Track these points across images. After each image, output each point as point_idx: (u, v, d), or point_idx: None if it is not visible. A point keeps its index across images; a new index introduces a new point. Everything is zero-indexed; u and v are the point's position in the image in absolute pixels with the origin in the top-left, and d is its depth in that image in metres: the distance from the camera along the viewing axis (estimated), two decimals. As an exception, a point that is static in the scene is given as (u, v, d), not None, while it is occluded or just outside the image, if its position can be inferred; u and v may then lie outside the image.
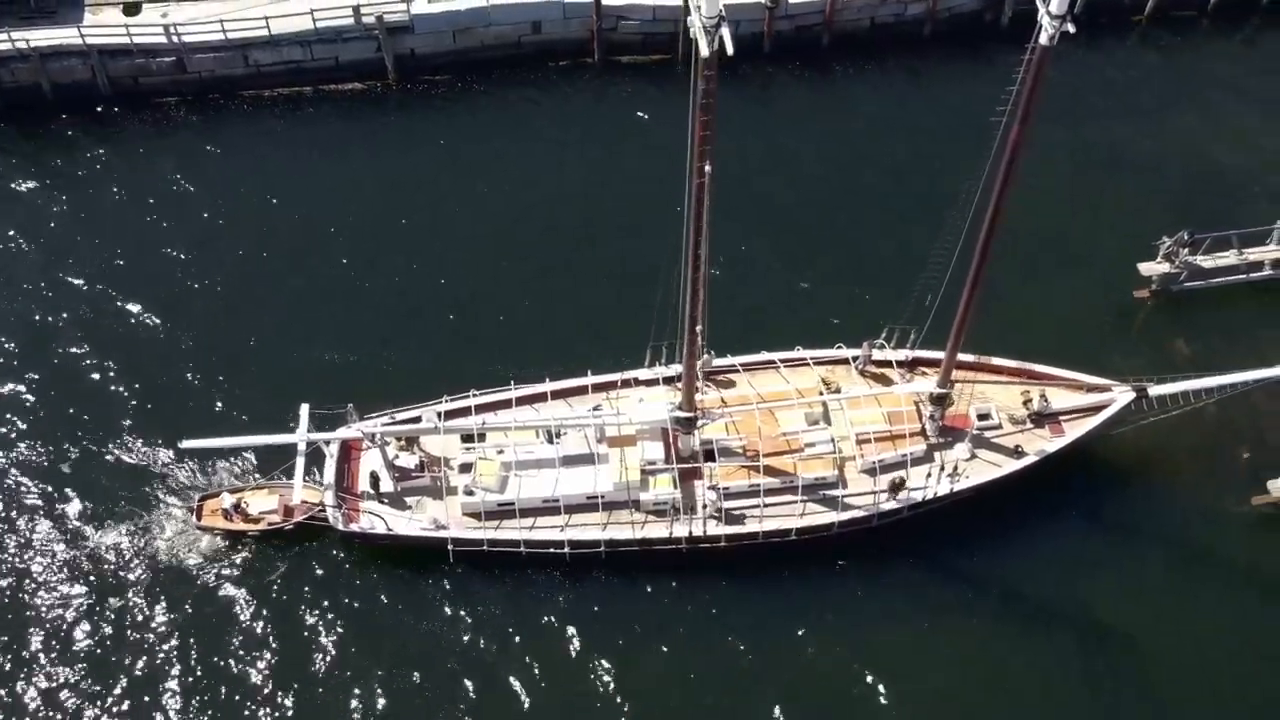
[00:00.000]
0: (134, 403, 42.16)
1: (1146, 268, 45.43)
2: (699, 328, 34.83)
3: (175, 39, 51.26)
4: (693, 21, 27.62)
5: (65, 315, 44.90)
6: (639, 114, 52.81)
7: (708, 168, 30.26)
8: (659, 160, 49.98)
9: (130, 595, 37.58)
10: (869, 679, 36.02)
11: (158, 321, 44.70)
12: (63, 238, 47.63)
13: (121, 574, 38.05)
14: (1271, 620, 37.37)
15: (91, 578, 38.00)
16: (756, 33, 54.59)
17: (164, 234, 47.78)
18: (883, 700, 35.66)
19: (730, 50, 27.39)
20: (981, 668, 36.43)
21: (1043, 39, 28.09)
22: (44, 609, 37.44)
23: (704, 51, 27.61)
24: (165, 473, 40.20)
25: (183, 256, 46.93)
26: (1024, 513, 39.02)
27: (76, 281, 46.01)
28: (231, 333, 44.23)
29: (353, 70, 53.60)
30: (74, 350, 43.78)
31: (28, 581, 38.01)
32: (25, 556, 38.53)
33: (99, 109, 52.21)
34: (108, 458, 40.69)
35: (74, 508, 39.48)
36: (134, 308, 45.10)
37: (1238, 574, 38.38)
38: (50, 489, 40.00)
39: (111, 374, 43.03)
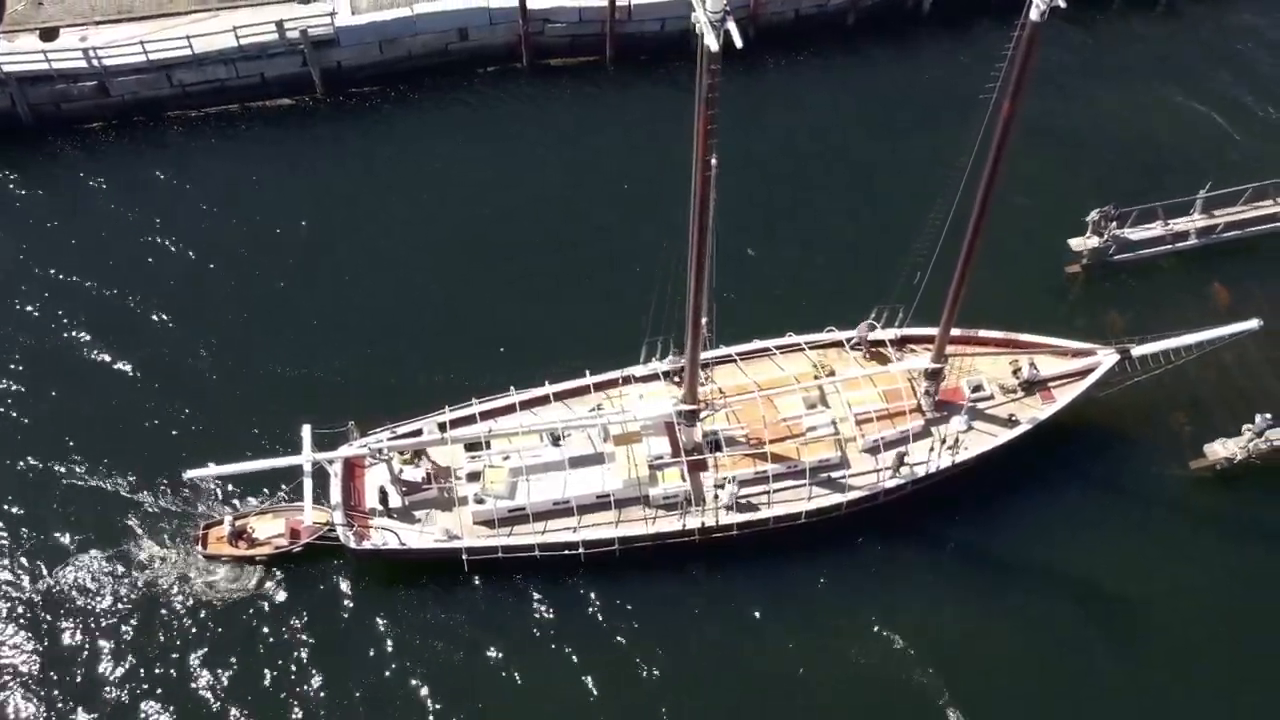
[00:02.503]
0: (117, 437, 41.39)
1: (1077, 243, 46.41)
2: (704, 320, 35.21)
3: (95, 63, 50.32)
4: (698, 17, 27.77)
5: (17, 352, 44.05)
6: (578, 115, 52.98)
7: (713, 160, 30.68)
8: (610, 159, 50.71)
9: (140, 628, 37.05)
10: (886, 651, 36.93)
11: (127, 353, 43.76)
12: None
13: (130, 609, 37.46)
14: (1245, 580, 38.58)
15: (99, 617, 37.33)
16: (683, 29, 54.83)
17: (107, 262, 46.82)
18: (902, 672, 36.60)
19: (739, 43, 27.50)
20: (986, 635, 37.42)
21: (1033, 14, 28.52)
22: (51, 652, 36.75)
23: (713, 46, 27.73)
24: (163, 504, 39.53)
25: (136, 287, 45.92)
26: (1002, 482, 40.05)
27: (23, 315, 45.07)
28: (212, 360, 43.59)
29: (280, 86, 53.07)
30: (44, 387, 42.91)
31: (33, 625, 37.27)
32: (27, 599, 37.76)
33: (21, 138, 51.09)
34: (103, 493, 39.88)
35: (72, 546, 38.68)
36: (91, 339, 44.20)
37: (1182, 536, 39.58)
38: (46, 528, 39.21)
39: (88, 409, 42.22)
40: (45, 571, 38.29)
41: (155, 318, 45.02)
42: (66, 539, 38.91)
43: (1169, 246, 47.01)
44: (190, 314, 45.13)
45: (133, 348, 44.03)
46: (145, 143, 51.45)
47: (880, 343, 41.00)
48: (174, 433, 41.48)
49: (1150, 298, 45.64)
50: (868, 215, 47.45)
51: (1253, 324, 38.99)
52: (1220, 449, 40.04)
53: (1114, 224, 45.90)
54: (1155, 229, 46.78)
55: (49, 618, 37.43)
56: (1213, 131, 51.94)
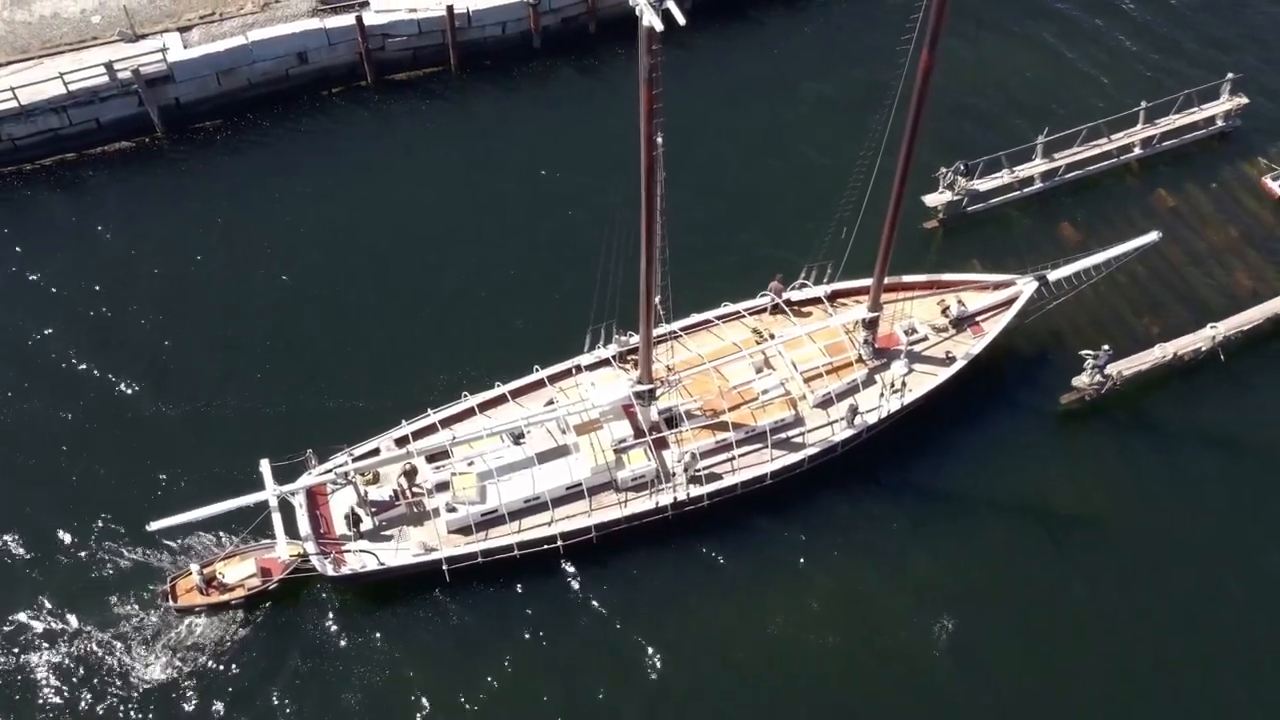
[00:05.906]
0: (59, 499, 39.63)
1: (931, 199, 48.02)
2: (658, 299, 35.60)
3: (-85, 125, 48.23)
4: None
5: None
6: (430, 126, 52.61)
7: (659, 139, 30.93)
8: (471, 164, 50.44)
9: (120, 699, 35.32)
10: (868, 601, 37.83)
11: (32, 417, 42.04)
12: None
13: (105, 680, 35.62)
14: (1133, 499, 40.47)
15: (72, 695, 35.40)
16: (524, 31, 54.93)
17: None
18: (888, 620, 37.56)
19: (681, 21, 27.78)
20: (953, 572, 38.52)
21: None
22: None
23: (657, 26, 27.81)
24: (122, 562, 37.79)
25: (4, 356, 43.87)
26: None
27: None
28: (126, 415, 41.93)
29: (117, 129, 51.27)
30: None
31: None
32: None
33: None
34: (57, 558, 38.00)
35: (32, 620, 36.75)
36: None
37: (1057, 464, 41.34)
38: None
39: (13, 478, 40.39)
40: (4, 649, 36.29)
41: (31, 381, 43.07)
42: (24, 613, 36.99)
43: (1018, 193, 49.01)
44: (82, 369, 43.38)
45: (33, 410, 42.20)
46: (-18, 204, 49.34)
47: (812, 300, 42.29)
48: (120, 488, 39.73)
49: (1006, 241, 47.63)
50: (767, 181, 48.90)
51: (1153, 236, 41.15)
52: (1085, 379, 41.85)
53: (963, 178, 47.53)
54: (1003, 177, 48.67)
55: (13, 700, 35.48)
56: (1040, 80, 54.32)
